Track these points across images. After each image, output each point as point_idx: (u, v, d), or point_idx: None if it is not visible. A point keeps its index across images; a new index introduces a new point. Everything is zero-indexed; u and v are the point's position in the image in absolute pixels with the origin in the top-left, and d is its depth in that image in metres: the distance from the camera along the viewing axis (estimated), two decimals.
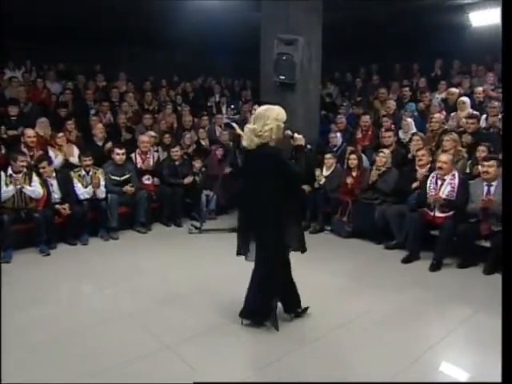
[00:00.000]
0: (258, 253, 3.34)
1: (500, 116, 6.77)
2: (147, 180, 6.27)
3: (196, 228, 5.92)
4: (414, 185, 5.39)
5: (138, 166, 6.28)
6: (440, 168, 4.96)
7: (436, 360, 3.12)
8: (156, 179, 6.36)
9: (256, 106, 5.75)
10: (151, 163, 6.34)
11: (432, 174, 5.10)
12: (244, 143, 3.25)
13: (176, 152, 6.48)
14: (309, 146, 3.77)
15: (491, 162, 4.76)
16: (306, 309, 3.60)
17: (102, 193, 5.63)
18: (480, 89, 7.98)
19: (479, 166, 5.39)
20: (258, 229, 3.28)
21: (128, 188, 5.83)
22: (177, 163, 6.50)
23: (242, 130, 5.63)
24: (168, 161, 6.52)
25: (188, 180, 6.39)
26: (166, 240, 5.75)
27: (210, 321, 3.56)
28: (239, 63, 11.08)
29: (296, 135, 3.35)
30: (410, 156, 6.09)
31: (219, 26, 8.82)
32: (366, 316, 3.63)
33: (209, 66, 11.56)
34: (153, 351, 3.11)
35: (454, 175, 4.96)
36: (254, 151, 3.20)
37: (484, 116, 7.07)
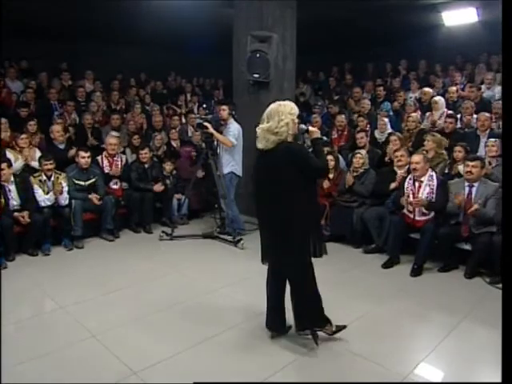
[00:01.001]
0: (285, 260, 3.12)
1: (475, 116, 6.76)
2: (115, 184, 5.92)
3: (167, 234, 5.62)
4: (393, 185, 5.25)
5: (105, 169, 5.92)
6: (414, 169, 4.83)
7: (428, 376, 2.96)
8: (124, 183, 6.02)
9: (224, 107, 5.52)
10: (119, 167, 5.99)
11: (409, 176, 4.97)
12: (259, 145, 3.05)
13: (145, 154, 6.15)
14: (325, 138, 3.61)
15: (475, 163, 4.65)
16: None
17: (64, 199, 5.25)
18: (453, 88, 7.97)
19: (459, 167, 5.32)
20: (282, 233, 3.04)
21: (94, 198, 5.48)
22: (146, 166, 6.18)
23: (216, 130, 5.47)
24: (137, 164, 6.19)
25: (158, 188, 6.08)
26: (135, 248, 5.42)
27: (184, 341, 3.24)
28: (211, 61, 10.80)
29: (311, 128, 3.22)
30: (387, 159, 5.95)
31: (190, 24, 8.52)
32: (347, 330, 3.41)
33: (179, 65, 11.23)
34: (119, 379, 2.80)
35: (431, 176, 4.83)
36: (270, 151, 2.99)
37: (458, 116, 7.04)
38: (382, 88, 8.63)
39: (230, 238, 5.49)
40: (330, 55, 10.96)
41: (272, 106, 3.08)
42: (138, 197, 5.92)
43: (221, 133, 5.46)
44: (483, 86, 7.96)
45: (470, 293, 4.19)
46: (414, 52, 9.78)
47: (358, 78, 10.25)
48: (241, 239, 5.37)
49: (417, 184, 4.83)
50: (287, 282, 3.23)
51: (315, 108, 8.79)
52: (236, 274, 4.58)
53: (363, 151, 5.79)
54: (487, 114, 6.24)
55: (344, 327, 3.32)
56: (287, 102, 3.10)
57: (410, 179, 4.91)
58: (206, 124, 5.31)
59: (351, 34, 9.77)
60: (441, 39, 9.34)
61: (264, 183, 3.09)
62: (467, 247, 4.68)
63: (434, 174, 4.86)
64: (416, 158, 4.82)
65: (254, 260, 4.97)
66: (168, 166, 6.39)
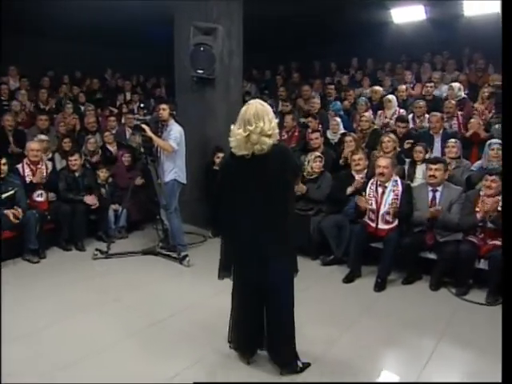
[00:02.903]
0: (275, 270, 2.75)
1: (427, 116, 6.58)
2: (39, 196, 5.12)
3: (102, 252, 4.91)
4: (349, 190, 4.88)
5: (27, 179, 5.12)
6: (381, 174, 4.46)
7: None
8: (51, 195, 5.25)
9: (164, 106, 4.90)
10: (44, 175, 5.20)
11: (371, 181, 4.60)
12: (243, 151, 2.67)
13: (75, 161, 5.38)
14: None
15: (438, 166, 4.35)
16: None
17: None
18: (403, 87, 7.83)
19: (418, 167, 5.08)
20: (276, 238, 2.74)
21: (10, 213, 4.65)
22: (76, 174, 5.42)
23: (156, 133, 4.85)
24: (65, 172, 5.42)
25: (91, 201, 5.34)
26: (64, 270, 4.63)
27: None
28: (153, 57, 10.10)
29: None
30: (341, 162, 5.59)
31: (129, 16, 7.83)
32: (316, 366, 2.95)
33: (117, 61, 10.44)
34: None
35: (396, 181, 4.49)
36: (262, 155, 2.65)
37: (410, 115, 6.85)
38: (332, 86, 8.32)
39: (174, 253, 4.88)
40: (276, 53, 10.56)
41: (255, 106, 2.70)
42: (68, 209, 5.17)
43: (161, 136, 4.84)
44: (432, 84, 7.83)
45: (440, 308, 3.87)
46: (360, 50, 9.59)
47: (305, 76, 9.93)
48: (186, 255, 4.78)
49: (380, 190, 4.46)
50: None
51: None
52: (183, 298, 3.98)
53: (317, 153, 5.35)
54: (439, 114, 6.08)
55: (308, 365, 2.89)
56: (262, 101, 2.79)
57: (372, 184, 4.54)
58: (143, 126, 4.66)
59: (298, 32, 9.43)
60: (388, 37, 9.19)
61: (253, 189, 2.71)
62: (432, 256, 4.38)
63: (398, 178, 4.53)
64: (383, 161, 4.44)
65: (203, 279, 4.41)
66: (102, 174, 5.67)
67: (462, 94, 7.05)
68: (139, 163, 5.14)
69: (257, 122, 2.62)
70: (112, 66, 10.59)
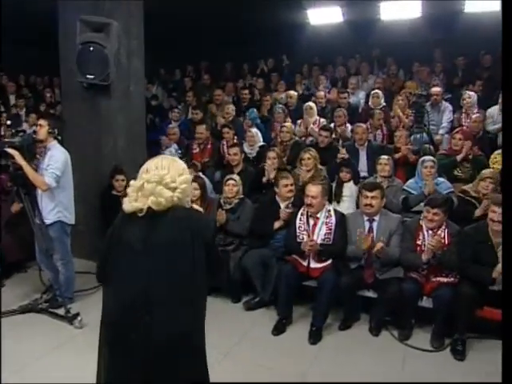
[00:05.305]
0: None
1: (349, 126, 6.15)
2: None
3: None
4: (277, 224, 4.18)
5: None
6: (310, 205, 3.82)
7: None
8: None
9: (42, 122, 3.79)
10: None
11: (301, 211, 3.94)
12: (135, 204, 1.93)
13: None
14: None
15: (375, 193, 3.78)
16: None
17: None
18: (321, 93, 7.37)
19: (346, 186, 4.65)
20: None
21: None
22: None
23: (29, 158, 3.74)
24: None
25: None
26: None
27: None
28: (44, 53, 8.70)
29: None
30: (264, 180, 4.88)
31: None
32: None
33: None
34: None
35: (329, 212, 3.87)
36: (160, 215, 1.92)
37: (332, 124, 6.37)
38: (247, 91, 7.61)
39: (62, 311, 3.82)
40: (185, 53, 9.63)
41: (161, 158, 2.06)
42: None
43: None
44: (348, 91, 7.47)
45: (387, 359, 3.35)
46: (275, 51, 9.04)
47: (216, 78, 9.16)
48: (78, 314, 3.75)
49: (311, 221, 3.83)
50: None
51: (173, 112, 7.33)
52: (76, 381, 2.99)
53: (236, 177, 4.58)
54: (364, 126, 5.69)
55: None
56: (174, 157, 2.16)
57: (302, 215, 3.89)
58: (10, 152, 3.52)
59: (209, 31, 8.63)
60: (304, 39, 8.72)
61: (142, 261, 1.91)
62: (370, 294, 3.84)
63: (331, 208, 3.91)
64: (313, 189, 3.78)
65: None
66: None
67: (383, 103, 6.73)
68: (13, 194, 4.01)
69: (157, 170, 1.96)
70: None
